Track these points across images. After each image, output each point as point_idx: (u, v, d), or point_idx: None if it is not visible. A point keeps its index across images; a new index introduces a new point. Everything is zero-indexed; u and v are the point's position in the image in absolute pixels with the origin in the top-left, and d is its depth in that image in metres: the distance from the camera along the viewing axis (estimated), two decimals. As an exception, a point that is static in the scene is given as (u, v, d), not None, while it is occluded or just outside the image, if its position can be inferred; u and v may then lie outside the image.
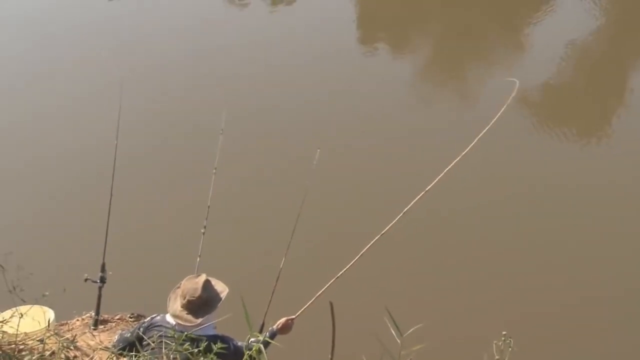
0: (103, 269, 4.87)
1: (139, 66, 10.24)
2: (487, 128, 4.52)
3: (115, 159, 5.11)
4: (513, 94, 4.68)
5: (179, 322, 3.68)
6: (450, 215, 7.30)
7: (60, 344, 3.04)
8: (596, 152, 8.51)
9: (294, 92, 9.45)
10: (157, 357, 3.42)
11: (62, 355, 3.10)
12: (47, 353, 3.11)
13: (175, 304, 3.76)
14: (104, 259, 4.88)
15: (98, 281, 4.83)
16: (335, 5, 11.96)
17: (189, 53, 10.56)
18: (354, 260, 4.33)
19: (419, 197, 4.32)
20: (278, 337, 4.13)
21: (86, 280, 4.77)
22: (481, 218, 7.39)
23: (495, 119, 4.56)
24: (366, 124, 8.82)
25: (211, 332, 3.64)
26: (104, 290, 4.89)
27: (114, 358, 3.38)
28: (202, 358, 2.96)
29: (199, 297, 3.70)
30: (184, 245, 5.32)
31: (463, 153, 4.38)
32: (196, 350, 2.96)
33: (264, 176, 7.82)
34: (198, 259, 4.76)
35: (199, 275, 3.87)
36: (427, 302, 6.25)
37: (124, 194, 5.90)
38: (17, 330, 3.07)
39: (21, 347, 3.12)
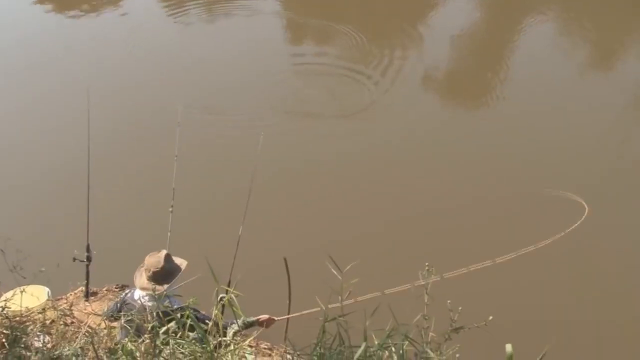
0: (88, 249, 4.95)
1: (105, 65, 10.04)
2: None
3: (89, 153, 5.13)
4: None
5: (147, 292, 3.76)
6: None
7: (58, 313, 3.13)
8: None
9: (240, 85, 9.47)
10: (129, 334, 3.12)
11: (61, 322, 3.19)
12: (48, 322, 3.20)
13: (142, 278, 3.86)
14: (87, 240, 4.95)
15: (85, 260, 4.89)
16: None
17: (145, 52, 10.38)
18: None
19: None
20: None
21: (74, 260, 4.82)
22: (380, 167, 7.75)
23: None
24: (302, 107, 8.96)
25: (177, 304, 3.59)
26: (90, 267, 4.95)
27: (105, 321, 3.46)
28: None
29: (162, 267, 3.80)
30: (156, 223, 5.40)
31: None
32: (166, 319, 2.85)
33: (217, 159, 7.89)
34: (169, 234, 4.87)
35: (159, 251, 3.95)
36: (363, 245, 6.46)
37: (100, 183, 5.96)
38: (21, 305, 3.13)
39: (25, 319, 3.19)
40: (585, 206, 4.77)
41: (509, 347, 2.09)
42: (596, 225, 5.11)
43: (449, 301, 2.76)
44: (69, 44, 10.85)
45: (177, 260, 3.98)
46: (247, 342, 3.06)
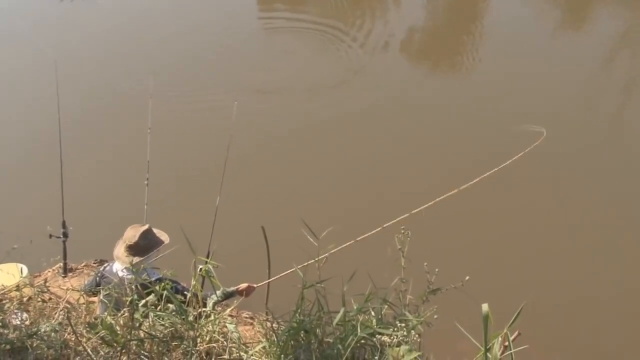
0: (64, 226, 4.87)
1: (72, 38, 9.79)
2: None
3: (59, 129, 5.02)
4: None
5: (124, 265, 3.74)
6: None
7: (35, 290, 3.10)
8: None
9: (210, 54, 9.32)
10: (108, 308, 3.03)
11: (39, 299, 3.16)
12: (25, 299, 3.17)
13: (120, 249, 3.82)
14: (63, 216, 4.88)
15: (61, 236, 4.83)
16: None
17: (112, 24, 10.14)
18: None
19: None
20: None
21: (50, 237, 4.75)
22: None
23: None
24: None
25: (155, 276, 3.56)
26: (67, 243, 4.89)
27: (84, 296, 3.43)
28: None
29: (136, 243, 3.76)
30: (132, 196, 5.33)
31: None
32: (145, 292, 2.85)
33: (192, 130, 7.80)
34: (145, 207, 4.82)
35: (141, 225, 3.90)
36: (339, 209, 6.49)
37: (73, 158, 5.85)
38: (-5, 284, 3.10)
39: (1, 297, 3.16)
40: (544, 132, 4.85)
41: (485, 307, 2.12)
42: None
43: (425, 264, 2.79)
44: (36, 18, 10.57)
45: (163, 237, 3.91)
46: (227, 312, 3.07)
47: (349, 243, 3.60)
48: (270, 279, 4.00)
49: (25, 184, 7.10)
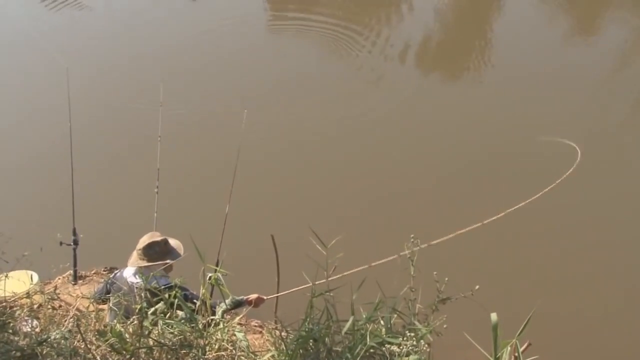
0: (75, 233, 4.92)
1: (83, 46, 9.90)
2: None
3: (70, 137, 5.08)
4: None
5: (132, 265, 3.75)
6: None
7: (46, 297, 3.12)
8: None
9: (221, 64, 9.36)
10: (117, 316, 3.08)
11: (49, 307, 3.18)
12: (35, 306, 3.20)
13: (133, 257, 3.84)
14: (74, 224, 4.92)
15: (72, 244, 4.87)
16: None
17: (123, 32, 10.25)
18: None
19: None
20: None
21: (61, 244, 4.77)
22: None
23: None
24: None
25: (164, 282, 3.55)
26: (78, 250, 4.93)
27: (93, 303, 3.45)
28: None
29: (152, 242, 3.76)
30: (142, 204, 5.37)
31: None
32: (154, 299, 2.85)
33: (202, 138, 7.83)
34: (155, 214, 4.84)
35: (160, 235, 3.90)
36: (350, 220, 6.48)
37: (83, 165, 5.89)
38: (5, 291, 3.12)
39: (11, 304, 3.18)
40: (578, 150, 4.79)
41: (494, 317, 2.11)
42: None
43: (435, 272, 2.78)
44: (47, 26, 10.69)
45: (173, 242, 3.92)
46: (236, 320, 3.08)
47: (361, 268, 3.59)
48: (281, 293, 3.99)
49: (36, 191, 7.16)
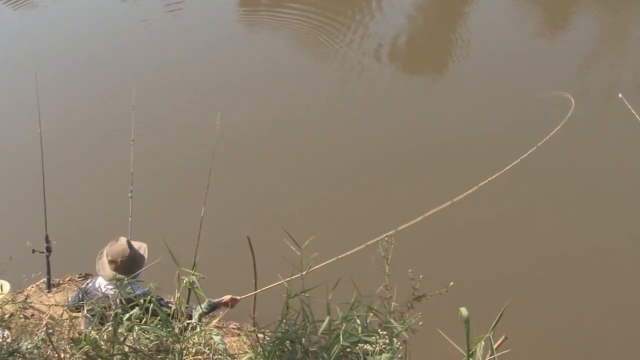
0: (47, 240, 4.84)
1: (51, 49, 9.76)
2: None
3: (41, 142, 5.01)
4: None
5: (107, 279, 3.72)
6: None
7: (17, 306, 3.08)
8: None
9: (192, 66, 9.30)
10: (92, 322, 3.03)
11: (21, 316, 3.15)
12: (7, 316, 3.16)
13: (107, 270, 3.77)
14: (46, 231, 4.85)
15: (45, 251, 4.81)
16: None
17: (91, 34, 10.13)
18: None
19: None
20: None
21: (34, 251, 4.71)
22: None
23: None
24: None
25: (140, 290, 3.49)
26: (51, 258, 4.86)
27: (67, 311, 3.41)
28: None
29: (129, 255, 3.74)
30: (116, 208, 5.32)
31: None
32: (128, 306, 2.87)
33: (176, 140, 7.76)
34: (130, 219, 4.81)
35: (117, 240, 3.87)
36: (325, 219, 6.50)
37: (55, 171, 5.80)
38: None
39: (-18, 315, 3.14)
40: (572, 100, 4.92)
41: (464, 311, 2.14)
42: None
43: (410, 270, 2.81)
44: (13, 29, 10.53)
45: (136, 245, 3.92)
46: (213, 323, 3.07)
47: (331, 260, 3.64)
48: (255, 292, 4.00)
49: (5, 199, 7.05)
